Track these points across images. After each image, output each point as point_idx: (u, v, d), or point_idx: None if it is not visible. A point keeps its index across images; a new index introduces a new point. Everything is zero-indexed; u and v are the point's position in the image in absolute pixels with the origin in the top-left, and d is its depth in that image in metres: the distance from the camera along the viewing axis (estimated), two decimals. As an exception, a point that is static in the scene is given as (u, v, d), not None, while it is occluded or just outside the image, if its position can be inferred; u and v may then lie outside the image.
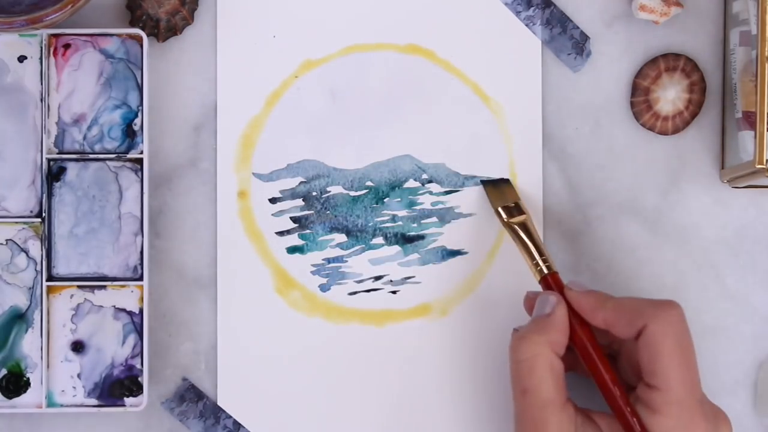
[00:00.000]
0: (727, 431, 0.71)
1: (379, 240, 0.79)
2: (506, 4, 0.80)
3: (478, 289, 0.79)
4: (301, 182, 0.79)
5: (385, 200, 0.80)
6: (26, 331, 0.77)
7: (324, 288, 0.79)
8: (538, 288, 0.76)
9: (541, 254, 0.75)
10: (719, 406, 0.72)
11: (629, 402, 0.70)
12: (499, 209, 0.77)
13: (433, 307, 0.79)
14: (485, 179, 0.79)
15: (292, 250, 0.79)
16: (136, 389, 0.77)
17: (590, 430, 0.71)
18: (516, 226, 0.76)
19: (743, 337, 0.80)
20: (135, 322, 0.77)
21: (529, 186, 0.79)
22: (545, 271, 0.75)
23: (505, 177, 0.79)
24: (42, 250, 0.77)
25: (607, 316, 0.71)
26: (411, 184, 0.80)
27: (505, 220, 0.77)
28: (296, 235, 0.79)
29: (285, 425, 0.79)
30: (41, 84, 0.77)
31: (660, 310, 0.70)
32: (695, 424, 0.69)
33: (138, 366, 0.77)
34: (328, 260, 0.79)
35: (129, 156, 0.77)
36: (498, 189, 0.78)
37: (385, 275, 0.79)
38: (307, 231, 0.79)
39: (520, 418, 0.71)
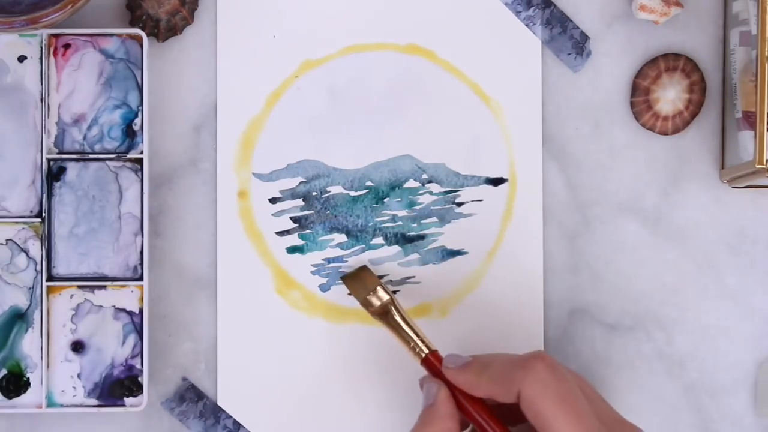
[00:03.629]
0: None
1: (379, 240, 0.79)
2: (506, 4, 0.80)
3: (478, 289, 0.79)
4: (301, 182, 0.79)
5: (385, 200, 0.80)
6: (26, 331, 0.77)
7: (324, 288, 0.79)
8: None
9: (416, 334, 0.74)
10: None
11: None
12: (366, 298, 0.75)
13: (433, 307, 0.79)
14: (342, 274, 0.78)
15: (292, 250, 0.79)
16: (136, 389, 0.77)
17: None
18: (385, 312, 0.75)
19: (743, 337, 0.80)
20: (135, 322, 0.77)
21: (529, 186, 0.79)
22: (425, 351, 0.73)
23: (362, 265, 0.78)
24: (42, 250, 0.77)
25: (485, 390, 0.70)
26: (411, 184, 0.80)
27: (373, 308, 0.75)
28: (296, 235, 0.79)
29: (285, 425, 0.79)
30: (41, 84, 0.77)
31: (527, 371, 0.68)
32: None
33: (138, 366, 0.77)
34: (328, 260, 0.79)
35: (129, 156, 0.77)
36: (358, 279, 0.77)
37: (385, 275, 0.79)
38: (307, 231, 0.79)
39: None
